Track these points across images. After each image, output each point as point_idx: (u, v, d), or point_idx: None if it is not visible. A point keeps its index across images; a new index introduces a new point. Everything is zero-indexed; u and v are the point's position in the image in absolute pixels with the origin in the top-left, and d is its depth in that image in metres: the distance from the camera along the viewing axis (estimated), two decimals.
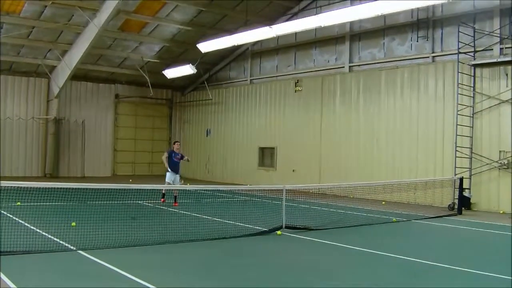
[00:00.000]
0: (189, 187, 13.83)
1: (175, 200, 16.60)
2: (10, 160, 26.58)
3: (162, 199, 16.69)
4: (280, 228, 11.73)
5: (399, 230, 13.45)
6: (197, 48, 23.89)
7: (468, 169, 17.54)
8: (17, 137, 27.07)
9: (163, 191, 16.84)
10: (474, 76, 17.77)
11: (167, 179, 16.76)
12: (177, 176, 16.82)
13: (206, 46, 23.53)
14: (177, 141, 18.27)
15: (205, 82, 29.99)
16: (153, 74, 28.68)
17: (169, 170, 16.66)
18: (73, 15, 22.45)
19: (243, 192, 20.59)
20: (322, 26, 19.51)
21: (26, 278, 7.15)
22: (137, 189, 15.89)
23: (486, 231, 13.15)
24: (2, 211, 12.70)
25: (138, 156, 31.28)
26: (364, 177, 20.14)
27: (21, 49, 25.30)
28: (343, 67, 22.80)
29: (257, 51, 27.53)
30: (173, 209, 15.30)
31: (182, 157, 17.10)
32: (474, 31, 17.67)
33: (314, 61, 24.46)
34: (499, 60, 16.98)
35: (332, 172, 22.10)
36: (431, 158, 18.98)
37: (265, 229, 11.61)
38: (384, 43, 21.42)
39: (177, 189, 16.68)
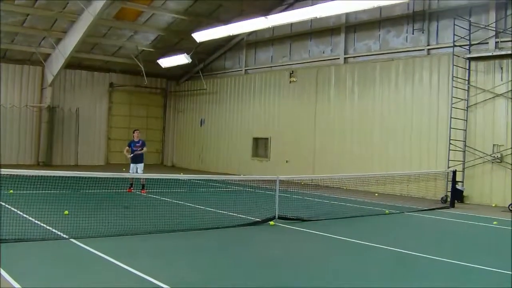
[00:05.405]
0: (182, 176, 13.83)
1: (142, 188, 16.79)
2: (3, 148, 26.38)
3: (128, 189, 16.74)
4: (273, 218, 11.76)
5: (392, 222, 13.51)
6: (192, 37, 23.80)
7: (461, 162, 17.60)
8: (10, 124, 26.90)
9: (130, 182, 17.04)
10: (469, 69, 17.78)
11: (130, 170, 16.92)
12: (141, 165, 16.95)
13: (201, 36, 23.43)
14: (136, 130, 18.18)
15: (200, 72, 29.89)
16: (148, 63, 28.54)
17: (131, 161, 16.87)
18: (67, 3, 22.28)
19: (237, 182, 20.59)
20: (318, 17, 19.50)
21: (18, 266, 7.13)
22: (131, 178, 15.88)
23: (478, 224, 13.22)
24: None
25: None
26: (357, 169, 20.15)
27: (15, 37, 25.10)
28: (338, 58, 22.76)
29: (252, 41, 27.45)
30: (166, 199, 15.29)
31: (143, 145, 17.18)
32: (470, 25, 17.67)
33: (309, 52, 24.41)
34: (494, 53, 17.00)
35: (326, 163, 22.12)
36: (424, 150, 19.02)
37: (258, 220, 11.66)
38: (379, 35, 21.39)
39: (144, 178, 16.87)
